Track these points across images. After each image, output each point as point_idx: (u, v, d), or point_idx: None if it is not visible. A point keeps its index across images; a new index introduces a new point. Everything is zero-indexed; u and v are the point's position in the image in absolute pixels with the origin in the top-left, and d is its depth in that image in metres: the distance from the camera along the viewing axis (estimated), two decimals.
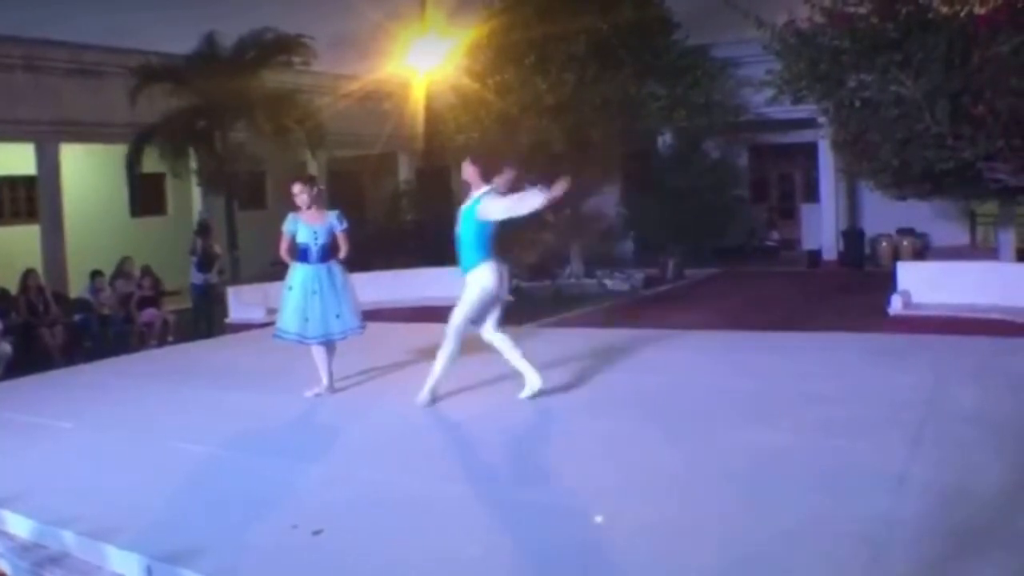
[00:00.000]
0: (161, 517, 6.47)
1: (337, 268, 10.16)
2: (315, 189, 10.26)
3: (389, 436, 8.60)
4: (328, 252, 10.08)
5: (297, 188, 10.15)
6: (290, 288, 10.01)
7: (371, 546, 5.81)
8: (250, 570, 5.53)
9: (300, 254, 10.05)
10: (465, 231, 9.24)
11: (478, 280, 9.17)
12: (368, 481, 7.15)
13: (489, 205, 9.05)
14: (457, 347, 9.25)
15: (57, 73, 21.76)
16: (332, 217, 10.17)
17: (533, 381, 9.36)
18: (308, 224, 10.03)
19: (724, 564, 5.22)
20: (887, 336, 12.73)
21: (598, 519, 6.06)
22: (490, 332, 9.48)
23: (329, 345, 10.17)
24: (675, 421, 8.31)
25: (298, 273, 10.00)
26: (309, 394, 10.10)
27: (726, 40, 23.88)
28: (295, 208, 10.10)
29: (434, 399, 9.35)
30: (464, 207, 9.32)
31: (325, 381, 10.20)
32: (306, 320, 9.90)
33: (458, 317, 9.25)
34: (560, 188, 8.77)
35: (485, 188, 9.22)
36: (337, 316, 10.00)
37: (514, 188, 9.33)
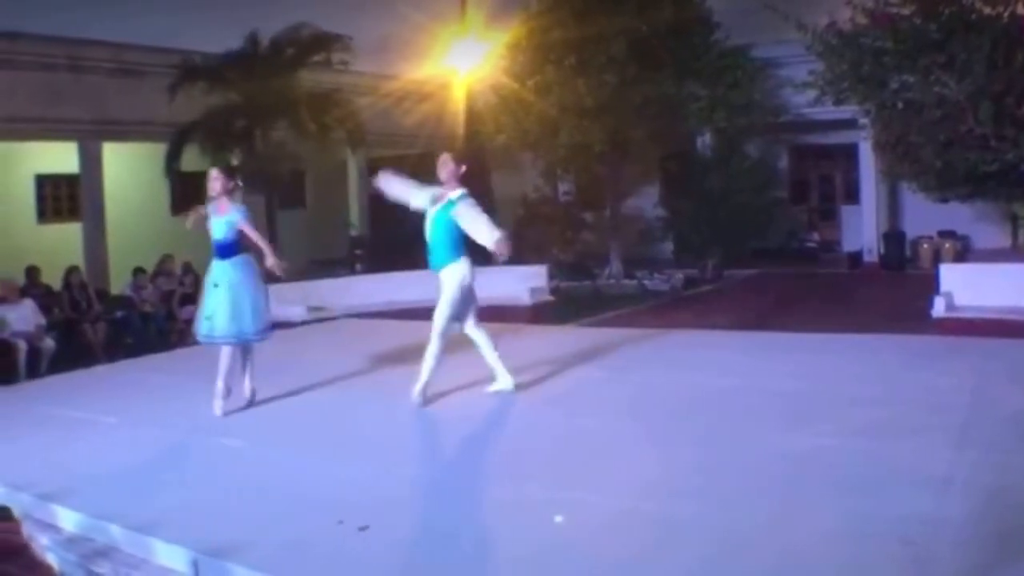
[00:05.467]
0: (206, 512, 6.51)
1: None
2: (232, 181, 9.71)
3: (432, 433, 8.67)
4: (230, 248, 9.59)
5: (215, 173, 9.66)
6: (216, 285, 9.53)
7: (417, 542, 5.84)
8: (296, 565, 5.56)
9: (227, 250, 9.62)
10: (440, 230, 9.48)
11: (454, 277, 9.43)
12: (414, 478, 7.20)
13: (467, 212, 9.35)
14: (442, 347, 9.40)
15: (99, 72, 21.86)
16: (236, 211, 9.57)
17: (504, 381, 9.76)
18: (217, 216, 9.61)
19: (767, 565, 5.21)
20: (930, 338, 12.67)
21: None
22: (471, 328, 9.77)
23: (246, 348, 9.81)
24: (716, 422, 8.30)
25: (219, 269, 9.57)
26: (219, 411, 9.55)
27: (767, 40, 23.74)
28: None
29: (426, 400, 9.43)
30: (437, 208, 9.53)
31: (225, 386, 9.64)
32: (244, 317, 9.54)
33: (440, 318, 9.43)
34: (503, 248, 9.18)
35: (460, 191, 9.51)
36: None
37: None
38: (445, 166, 9.58)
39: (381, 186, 10.05)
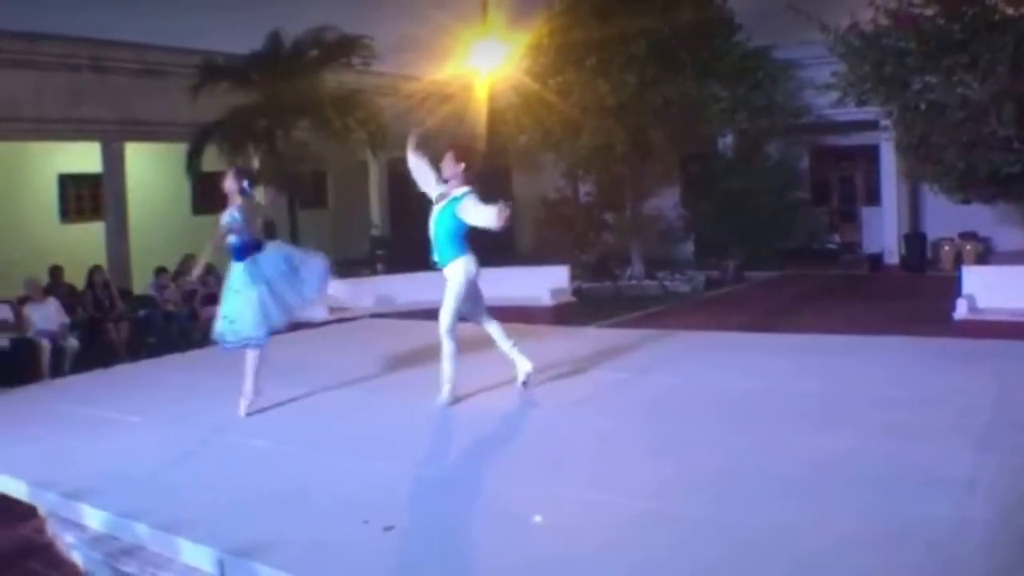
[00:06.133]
0: (231, 511, 6.54)
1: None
2: (238, 183, 9.61)
3: (459, 433, 8.67)
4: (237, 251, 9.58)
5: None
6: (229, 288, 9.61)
7: (441, 542, 5.85)
8: (320, 564, 5.58)
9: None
10: (443, 227, 9.43)
11: (458, 274, 9.40)
12: (436, 478, 7.20)
13: (471, 209, 9.25)
14: (455, 345, 9.38)
15: (122, 73, 21.99)
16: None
17: (523, 365, 9.78)
18: None
19: (789, 567, 5.20)
20: (952, 340, 12.61)
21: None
22: (485, 323, 9.82)
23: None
24: (737, 423, 8.27)
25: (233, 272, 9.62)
26: (243, 412, 9.53)
27: (789, 41, 23.74)
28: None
29: (456, 399, 9.42)
30: (441, 206, 9.47)
31: (253, 387, 9.65)
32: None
33: (447, 316, 9.39)
34: (503, 215, 9.01)
35: (464, 188, 9.41)
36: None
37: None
38: (446, 164, 9.50)
39: (410, 152, 9.88)
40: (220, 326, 9.53)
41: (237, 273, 9.48)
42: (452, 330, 9.35)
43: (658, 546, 5.62)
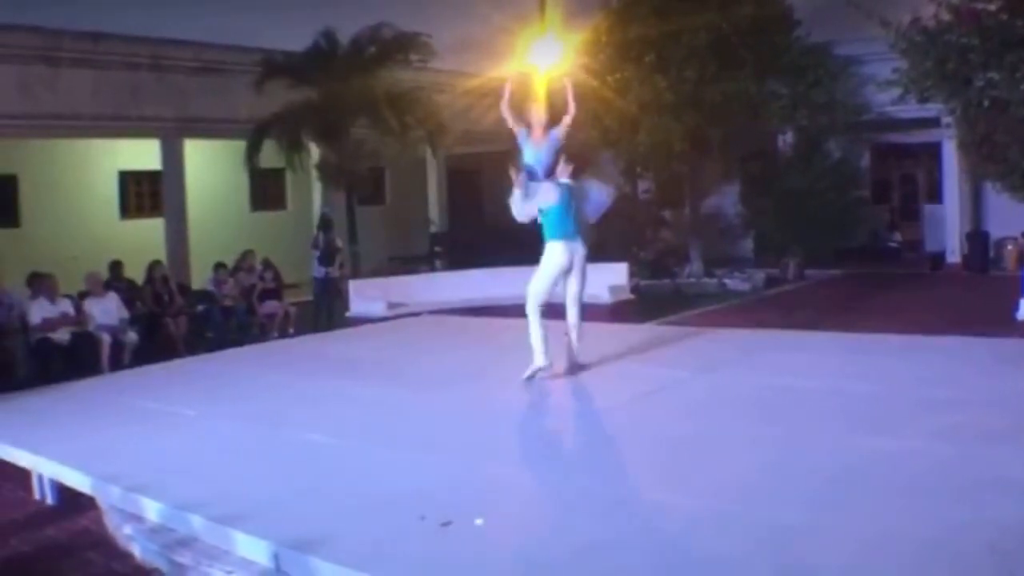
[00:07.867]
0: (287, 505, 6.54)
1: None
2: None
3: (515, 429, 8.66)
4: None
5: None
6: None
7: (499, 538, 5.83)
8: (377, 559, 5.55)
9: None
10: None
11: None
12: (495, 474, 7.17)
13: None
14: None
15: (181, 71, 22.17)
16: None
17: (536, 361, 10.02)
18: None
19: (847, 568, 5.13)
20: (1013, 342, 12.44)
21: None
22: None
23: None
24: (794, 424, 8.15)
25: None
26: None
27: (849, 38, 23.53)
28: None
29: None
30: None
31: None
32: None
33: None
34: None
35: None
36: None
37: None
38: None
39: None
40: None
41: None
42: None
43: (713, 545, 5.55)
